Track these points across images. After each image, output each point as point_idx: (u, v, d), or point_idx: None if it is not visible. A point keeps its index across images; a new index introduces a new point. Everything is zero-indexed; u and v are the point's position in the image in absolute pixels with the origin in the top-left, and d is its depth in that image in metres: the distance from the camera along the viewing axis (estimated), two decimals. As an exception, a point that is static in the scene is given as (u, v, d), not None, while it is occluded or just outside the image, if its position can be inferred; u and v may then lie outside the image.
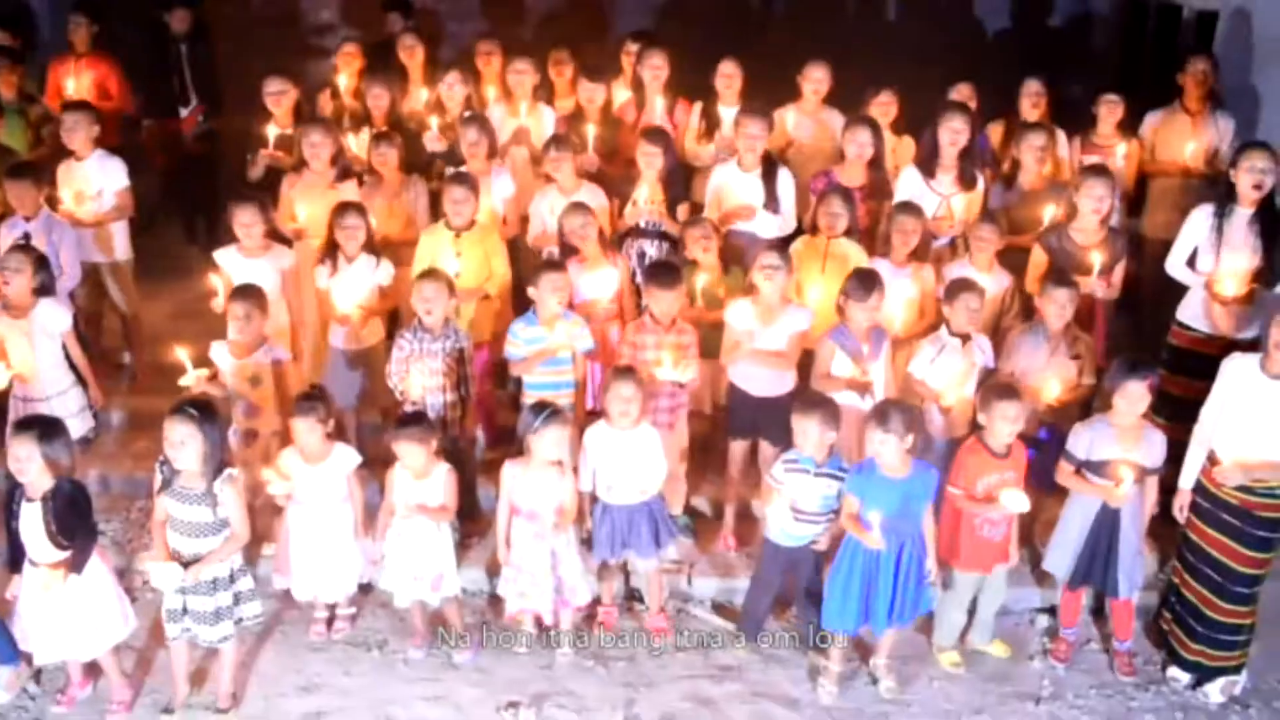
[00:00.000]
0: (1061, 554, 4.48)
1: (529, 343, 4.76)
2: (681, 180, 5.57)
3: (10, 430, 3.91)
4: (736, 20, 8.73)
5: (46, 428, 3.82)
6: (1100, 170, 5.19)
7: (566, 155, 5.36)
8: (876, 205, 5.45)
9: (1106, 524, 4.33)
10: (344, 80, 6.45)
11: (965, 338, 4.63)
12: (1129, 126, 6.06)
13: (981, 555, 4.41)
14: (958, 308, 4.58)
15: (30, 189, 5.15)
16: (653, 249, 5.49)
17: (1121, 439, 4.25)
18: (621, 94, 6.24)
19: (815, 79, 5.95)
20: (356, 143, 5.91)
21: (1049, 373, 4.58)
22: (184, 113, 7.12)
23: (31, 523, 3.80)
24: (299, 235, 5.40)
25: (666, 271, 4.80)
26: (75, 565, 3.85)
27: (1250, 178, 4.81)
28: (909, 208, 5.09)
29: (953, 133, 5.38)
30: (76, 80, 6.60)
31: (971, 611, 4.60)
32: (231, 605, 4.04)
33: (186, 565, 3.89)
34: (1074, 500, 4.43)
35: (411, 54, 6.48)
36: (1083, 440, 4.32)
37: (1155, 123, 6.09)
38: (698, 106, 5.97)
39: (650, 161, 5.36)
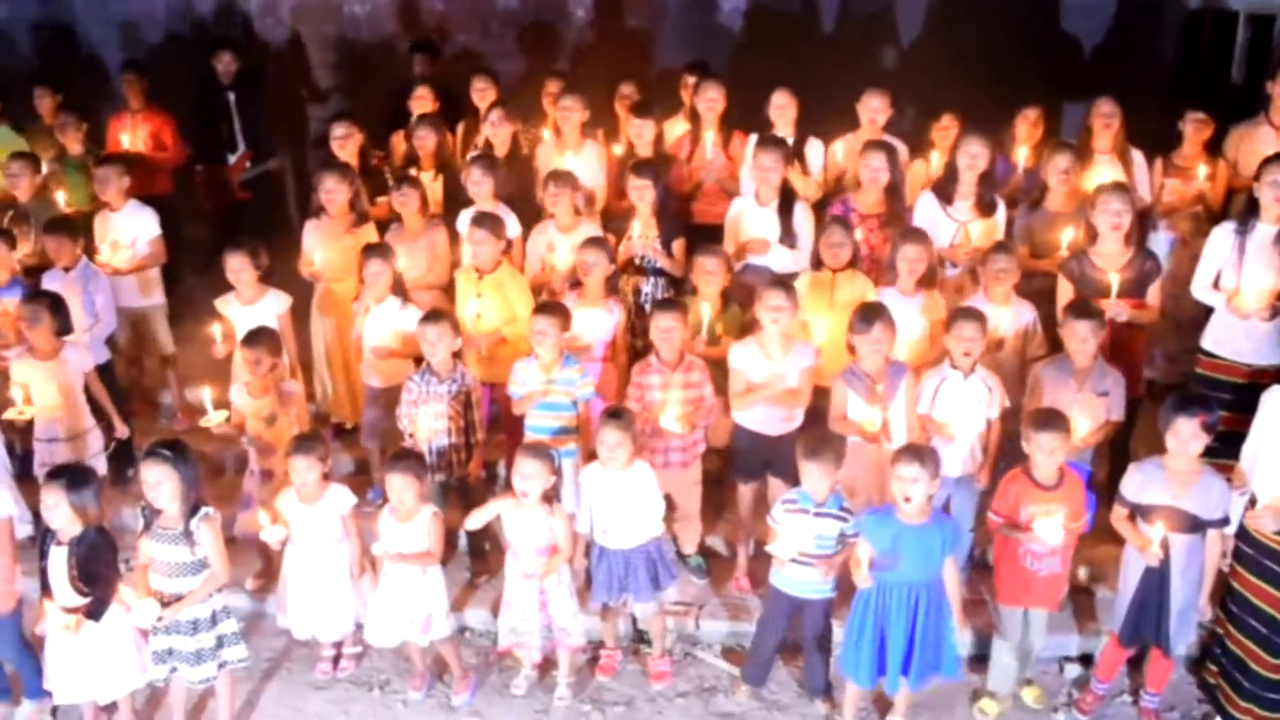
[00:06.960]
0: (1118, 607, 4.20)
1: (524, 384, 4.71)
2: (675, 215, 5.43)
3: (43, 478, 4.03)
4: (788, 47, 8.57)
5: (75, 477, 3.90)
6: (1116, 186, 4.88)
7: (565, 191, 5.31)
8: (895, 233, 5.18)
9: (1155, 576, 4.02)
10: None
11: (969, 371, 4.40)
12: (1212, 145, 5.66)
13: (1020, 587, 4.16)
14: (953, 339, 4.36)
15: (66, 241, 5.37)
16: (649, 286, 5.40)
17: (1170, 484, 3.95)
18: (678, 128, 6.16)
19: (873, 108, 5.76)
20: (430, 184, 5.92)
21: (1076, 410, 4.29)
22: (232, 159, 7.30)
23: (57, 566, 3.92)
24: (315, 279, 5.50)
25: (671, 301, 4.87)
26: (92, 613, 3.94)
27: (1273, 191, 4.51)
28: (913, 234, 4.88)
29: (970, 157, 5.16)
30: (132, 134, 6.80)
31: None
32: (214, 648, 4.08)
33: (168, 605, 3.96)
34: (1129, 548, 4.12)
35: (483, 95, 6.56)
36: (1133, 482, 4.04)
37: (1239, 137, 5.68)
38: (753, 139, 5.70)
39: (642, 195, 5.27)
